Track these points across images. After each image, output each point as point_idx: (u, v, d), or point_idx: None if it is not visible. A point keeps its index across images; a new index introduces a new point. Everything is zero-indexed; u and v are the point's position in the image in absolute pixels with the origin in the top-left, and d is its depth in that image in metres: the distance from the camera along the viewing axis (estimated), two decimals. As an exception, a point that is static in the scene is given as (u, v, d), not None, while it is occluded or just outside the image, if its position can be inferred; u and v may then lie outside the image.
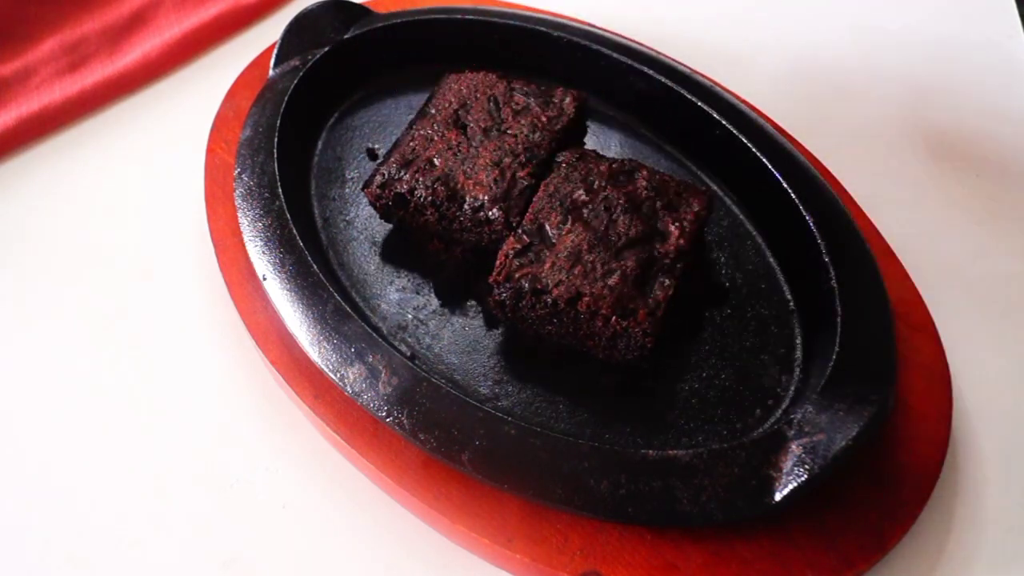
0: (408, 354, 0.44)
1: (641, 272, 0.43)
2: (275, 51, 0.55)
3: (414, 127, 0.50)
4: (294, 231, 0.46)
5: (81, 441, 0.45)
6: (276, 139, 0.50)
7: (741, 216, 0.51)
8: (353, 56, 0.56)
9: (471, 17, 0.56)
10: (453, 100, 0.51)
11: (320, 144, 0.54)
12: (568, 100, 0.50)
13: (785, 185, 0.48)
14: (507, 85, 0.51)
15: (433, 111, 0.50)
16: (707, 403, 0.44)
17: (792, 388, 0.44)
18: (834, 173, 0.51)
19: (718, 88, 0.53)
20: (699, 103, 0.51)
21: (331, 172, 0.53)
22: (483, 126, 0.49)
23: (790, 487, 0.38)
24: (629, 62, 0.54)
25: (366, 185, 0.48)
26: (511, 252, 0.43)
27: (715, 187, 0.52)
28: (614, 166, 0.47)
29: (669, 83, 0.52)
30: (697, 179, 0.52)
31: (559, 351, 0.45)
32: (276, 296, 0.44)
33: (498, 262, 0.43)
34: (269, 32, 0.63)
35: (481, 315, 0.47)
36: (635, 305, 0.42)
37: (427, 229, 0.48)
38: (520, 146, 0.48)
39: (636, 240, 0.44)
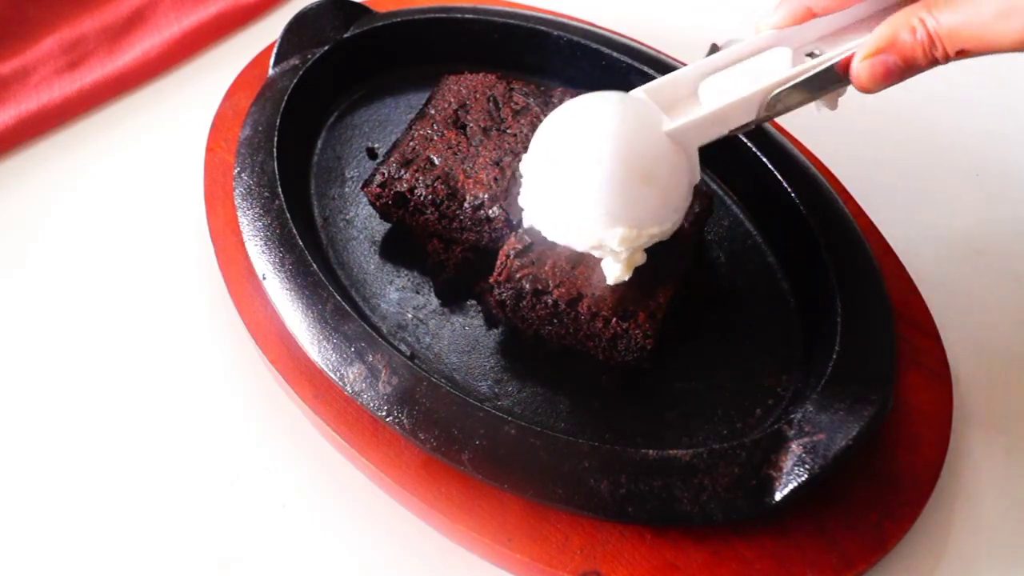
0: (408, 353, 0.44)
1: (642, 274, 0.43)
2: (275, 50, 0.55)
3: (413, 127, 0.50)
4: (294, 230, 0.46)
5: (80, 440, 0.45)
6: (276, 138, 0.50)
7: (741, 216, 0.51)
8: (353, 55, 0.56)
9: (471, 16, 0.56)
10: (452, 100, 0.51)
11: (320, 143, 0.54)
12: (568, 100, 0.50)
13: (785, 185, 0.48)
14: (507, 85, 0.51)
15: (432, 111, 0.50)
16: (707, 403, 0.44)
17: (792, 388, 0.44)
18: (835, 173, 0.51)
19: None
20: (699, 103, 0.51)
21: (331, 171, 0.53)
22: (483, 126, 0.49)
23: (790, 487, 0.38)
24: (630, 61, 0.54)
25: (366, 184, 0.48)
26: (512, 252, 0.43)
27: (715, 187, 0.52)
28: (614, 166, 0.47)
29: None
30: (697, 179, 0.52)
31: (559, 350, 0.45)
32: (276, 295, 0.44)
33: (499, 262, 0.43)
34: (269, 31, 0.62)
35: (481, 315, 0.47)
36: (635, 307, 0.42)
37: (427, 228, 0.48)
38: (520, 145, 0.48)
39: (636, 240, 0.44)
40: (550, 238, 0.41)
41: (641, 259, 0.41)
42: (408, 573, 0.41)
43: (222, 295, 0.47)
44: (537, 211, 0.41)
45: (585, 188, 0.39)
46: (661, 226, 0.40)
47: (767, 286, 0.48)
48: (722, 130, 0.40)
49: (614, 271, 0.41)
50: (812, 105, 0.40)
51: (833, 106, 0.41)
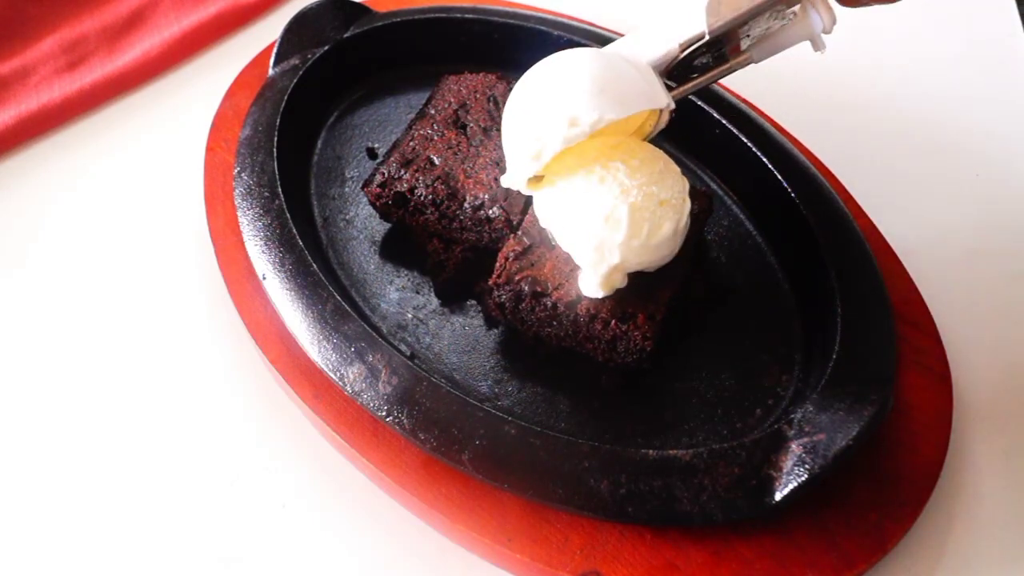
0: (408, 353, 0.44)
1: (641, 275, 0.43)
2: (275, 50, 0.55)
3: (414, 127, 0.50)
4: (294, 230, 0.46)
5: (81, 440, 0.45)
6: (276, 138, 0.50)
7: (741, 216, 0.51)
8: (353, 55, 0.56)
9: (471, 16, 0.56)
10: (452, 100, 0.51)
11: (320, 143, 0.54)
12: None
13: (785, 185, 0.48)
14: (507, 85, 0.51)
15: (432, 111, 0.50)
16: (707, 403, 0.44)
17: (792, 388, 0.44)
18: (835, 173, 0.51)
19: (719, 87, 0.53)
20: (699, 102, 0.51)
21: (331, 171, 0.53)
22: (483, 126, 0.49)
23: (790, 487, 0.38)
24: (629, 61, 0.54)
25: (366, 184, 0.48)
26: (511, 254, 0.43)
27: (715, 187, 0.52)
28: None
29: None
30: (697, 179, 0.52)
31: (559, 351, 0.45)
32: (276, 295, 0.44)
33: (498, 264, 0.43)
34: (269, 31, 0.62)
35: (481, 315, 0.47)
36: (634, 309, 0.42)
37: (427, 228, 0.48)
38: (520, 145, 0.48)
39: (636, 240, 0.44)
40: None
41: (621, 281, 0.42)
42: (408, 573, 0.41)
43: (222, 295, 0.47)
44: (511, 145, 0.42)
45: (540, 96, 0.41)
46: (614, 112, 0.40)
47: (767, 286, 0.48)
48: (671, 45, 0.40)
49: (590, 286, 0.41)
50: (796, 49, 0.40)
51: (818, 46, 0.40)
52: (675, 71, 0.42)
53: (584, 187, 0.41)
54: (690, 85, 0.43)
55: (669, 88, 0.42)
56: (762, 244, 0.50)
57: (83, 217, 0.53)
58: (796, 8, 0.40)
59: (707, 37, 0.40)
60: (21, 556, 0.41)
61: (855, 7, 0.39)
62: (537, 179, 0.42)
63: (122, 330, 0.48)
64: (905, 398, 0.43)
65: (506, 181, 0.43)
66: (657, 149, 0.43)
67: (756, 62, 0.42)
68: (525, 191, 0.43)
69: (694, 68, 0.43)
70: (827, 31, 0.39)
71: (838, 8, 0.39)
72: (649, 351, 0.42)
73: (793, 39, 0.41)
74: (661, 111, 0.42)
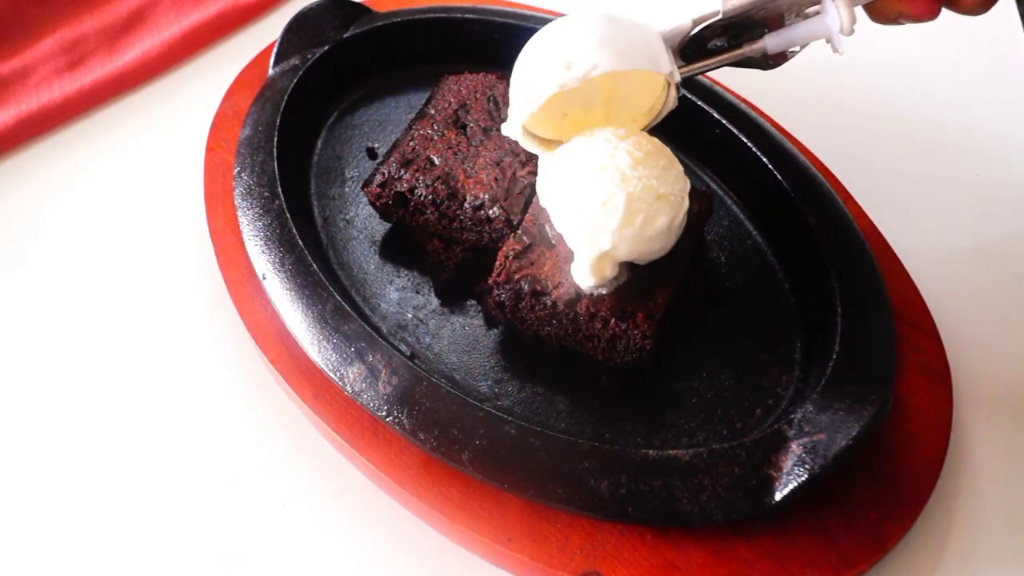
0: (408, 353, 0.44)
1: (640, 274, 0.43)
2: (275, 50, 0.55)
3: (414, 127, 0.50)
4: (294, 230, 0.46)
5: (81, 441, 0.45)
6: (276, 138, 0.50)
7: (741, 216, 0.51)
8: (353, 55, 0.56)
9: (471, 16, 0.56)
10: (453, 100, 0.51)
11: (320, 143, 0.54)
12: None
13: (785, 185, 0.48)
14: (507, 86, 0.51)
15: (432, 111, 0.50)
16: (707, 403, 0.44)
17: (792, 388, 0.44)
18: (835, 173, 0.51)
19: (719, 87, 0.53)
20: (699, 102, 0.51)
21: (331, 171, 0.53)
22: (483, 126, 0.49)
23: (790, 487, 0.38)
24: (629, 61, 0.54)
25: (366, 184, 0.48)
26: (511, 253, 0.43)
27: (715, 187, 0.52)
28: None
29: (669, 82, 0.52)
30: (697, 179, 0.52)
31: (559, 351, 0.45)
32: (276, 295, 0.44)
33: (498, 263, 0.43)
34: (269, 31, 0.62)
35: (481, 315, 0.47)
36: (634, 308, 0.42)
37: (427, 228, 0.48)
38: (520, 145, 0.48)
39: (636, 240, 0.44)
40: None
41: (612, 271, 0.42)
42: (408, 573, 0.41)
43: (222, 295, 0.47)
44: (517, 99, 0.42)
45: (544, 46, 0.42)
46: (611, 63, 0.39)
47: (767, 286, 0.48)
48: (684, 20, 0.41)
49: (581, 272, 0.42)
50: (810, 47, 0.40)
51: (836, 47, 0.40)
52: (687, 50, 0.42)
53: (586, 171, 0.41)
54: (700, 64, 0.43)
55: (679, 67, 0.42)
56: (762, 244, 0.50)
57: (83, 217, 0.53)
58: (818, 6, 0.40)
59: (720, 16, 0.40)
60: (22, 556, 0.41)
61: (886, 24, 0.38)
62: (540, 140, 0.43)
63: (122, 330, 0.48)
64: (905, 398, 0.43)
65: (505, 128, 0.43)
66: (665, 147, 0.43)
67: (770, 53, 0.42)
68: (522, 142, 0.43)
69: (708, 51, 0.43)
70: (846, 32, 0.39)
71: (858, 11, 0.39)
72: (649, 350, 0.42)
73: (810, 35, 0.40)
74: (668, 88, 0.42)
